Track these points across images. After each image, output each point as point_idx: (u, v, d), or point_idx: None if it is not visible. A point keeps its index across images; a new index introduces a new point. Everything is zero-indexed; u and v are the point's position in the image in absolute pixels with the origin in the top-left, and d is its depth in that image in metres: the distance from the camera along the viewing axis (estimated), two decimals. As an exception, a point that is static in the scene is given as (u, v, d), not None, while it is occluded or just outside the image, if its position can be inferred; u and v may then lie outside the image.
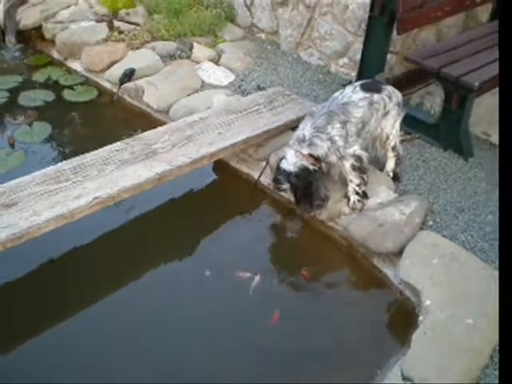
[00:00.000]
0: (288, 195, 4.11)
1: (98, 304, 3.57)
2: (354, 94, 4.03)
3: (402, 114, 4.24)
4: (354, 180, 4.04)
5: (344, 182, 4.11)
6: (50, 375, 3.14)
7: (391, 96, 4.13)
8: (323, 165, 3.97)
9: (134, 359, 3.28)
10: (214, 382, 3.17)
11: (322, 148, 3.88)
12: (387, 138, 4.22)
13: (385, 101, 4.08)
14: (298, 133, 3.95)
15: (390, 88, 4.17)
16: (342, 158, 3.97)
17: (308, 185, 3.91)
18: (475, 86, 4.27)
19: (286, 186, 3.96)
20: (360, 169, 4.03)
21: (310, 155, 3.87)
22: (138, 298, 3.63)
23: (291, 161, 3.89)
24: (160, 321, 3.50)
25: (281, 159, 3.99)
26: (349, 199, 4.08)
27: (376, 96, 4.05)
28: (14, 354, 3.29)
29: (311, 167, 3.89)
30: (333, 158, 3.96)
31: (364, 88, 4.07)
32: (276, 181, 4.02)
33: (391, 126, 4.18)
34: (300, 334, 3.46)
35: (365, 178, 4.08)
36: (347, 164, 3.99)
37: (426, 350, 3.15)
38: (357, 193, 4.06)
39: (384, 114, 4.11)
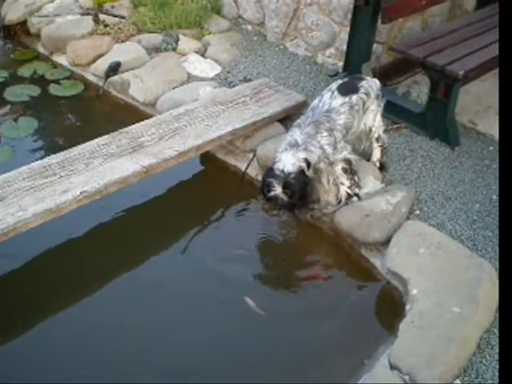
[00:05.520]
0: (274, 203, 3.88)
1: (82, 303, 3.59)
2: (333, 99, 3.98)
3: (382, 105, 4.25)
4: (345, 182, 4.02)
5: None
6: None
7: (369, 92, 4.10)
8: (310, 171, 3.88)
9: (134, 355, 3.29)
10: (211, 382, 3.18)
11: (315, 154, 3.83)
12: (370, 130, 4.23)
13: (363, 99, 4.06)
14: (289, 139, 3.86)
15: (366, 83, 4.12)
16: (331, 163, 3.95)
17: (304, 187, 3.79)
18: (460, 74, 4.27)
19: (277, 191, 3.73)
20: (350, 171, 4.04)
21: (305, 159, 3.78)
22: (123, 293, 3.65)
23: (289, 161, 3.73)
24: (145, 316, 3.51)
25: (272, 165, 3.83)
26: (340, 201, 4.05)
27: (354, 97, 4.01)
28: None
29: (306, 171, 3.80)
30: (321, 165, 3.92)
31: (342, 92, 4.01)
32: (266, 186, 3.81)
33: (372, 119, 4.19)
34: (286, 324, 3.47)
35: (356, 179, 4.09)
36: (337, 168, 3.99)
37: (414, 339, 3.16)
38: (349, 195, 4.04)
39: (364, 112, 4.11)
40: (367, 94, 4.09)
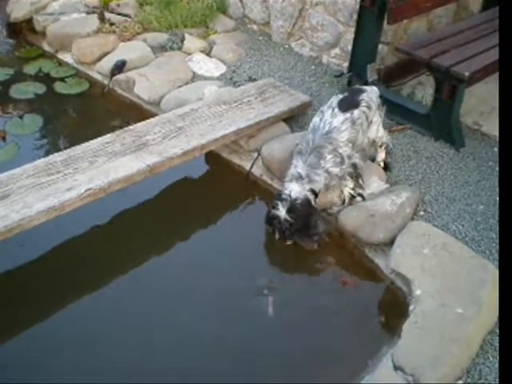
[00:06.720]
0: (274, 225, 3.86)
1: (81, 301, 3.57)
2: (334, 118, 3.93)
3: (383, 114, 4.26)
4: (348, 184, 4.04)
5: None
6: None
7: (370, 105, 4.06)
8: (317, 200, 3.89)
9: (134, 355, 3.28)
10: (212, 383, 3.17)
11: (320, 182, 3.83)
12: (373, 141, 4.24)
13: (366, 113, 4.03)
14: (293, 171, 3.85)
15: (366, 96, 4.07)
16: (341, 178, 3.96)
17: (308, 216, 3.82)
18: (466, 76, 4.27)
19: (281, 212, 3.74)
20: (355, 174, 4.06)
21: (311, 190, 3.80)
22: (125, 292, 3.64)
23: (296, 190, 3.77)
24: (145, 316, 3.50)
25: (281, 192, 3.86)
26: (343, 202, 4.07)
27: (356, 112, 3.97)
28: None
29: (313, 201, 3.83)
30: (332, 183, 3.93)
31: (342, 108, 3.96)
32: (272, 207, 3.84)
33: (376, 131, 4.18)
34: (289, 324, 3.47)
35: (360, 182, 4.10)
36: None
37: (417, 340, 3.16)
38: (352, 196, 4.05)
39: (368, 125, 4.08)
40: (369, 108, 4.05)
